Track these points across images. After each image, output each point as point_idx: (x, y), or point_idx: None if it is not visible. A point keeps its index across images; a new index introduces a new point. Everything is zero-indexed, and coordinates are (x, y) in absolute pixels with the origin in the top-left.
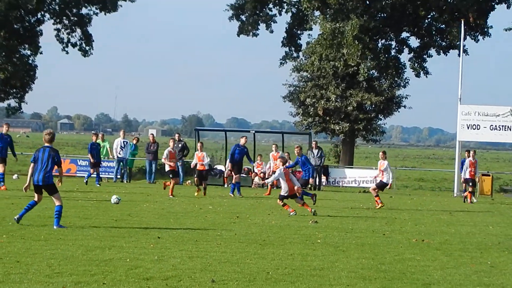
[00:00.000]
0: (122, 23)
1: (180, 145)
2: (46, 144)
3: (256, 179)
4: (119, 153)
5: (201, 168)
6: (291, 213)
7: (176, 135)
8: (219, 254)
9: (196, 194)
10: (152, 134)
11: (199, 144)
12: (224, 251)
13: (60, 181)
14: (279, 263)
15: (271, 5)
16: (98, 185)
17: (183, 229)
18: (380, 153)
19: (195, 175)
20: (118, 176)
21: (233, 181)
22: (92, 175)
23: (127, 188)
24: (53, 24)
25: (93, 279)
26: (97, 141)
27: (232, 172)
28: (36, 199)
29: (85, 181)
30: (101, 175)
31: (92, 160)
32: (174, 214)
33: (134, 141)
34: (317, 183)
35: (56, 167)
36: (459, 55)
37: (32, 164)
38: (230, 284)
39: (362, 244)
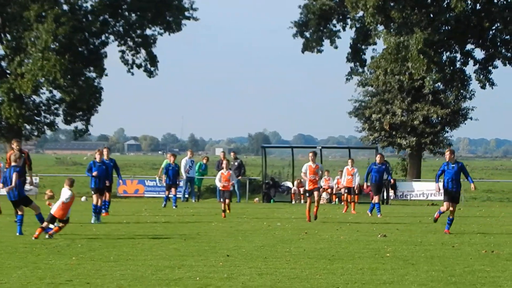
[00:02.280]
0: (186, 43)
1: (236, 163)
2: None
3: (324, 195)
4: (187, 172)
5: (226, 187)
6: None
7: (232, 153)
8: (288, 270)
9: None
10: (223, 152)
11: (225, 162)
12: (294, 267)
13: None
14: (349, 278)
15: (334, 21)
16: (175, 207)
17: (252, 247)
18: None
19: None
20: (186, 195)
21: (373, 201)
22: (169, 196)
23: (195, 208)
24: (118, 46)
25: None
26: (175, 162)
27: (371, 192)
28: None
29: (163, 205)
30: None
31: (163, 182)
32: (243, 232)
33: (204, 161)
34: (385, 197)
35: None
36: None
37: None
38: None
39: (431, 257)
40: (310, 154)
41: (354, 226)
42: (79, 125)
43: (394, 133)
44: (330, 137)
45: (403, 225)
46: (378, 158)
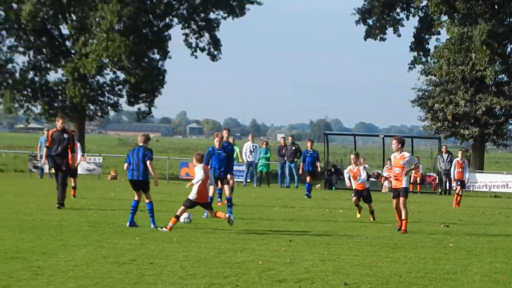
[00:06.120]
0: (250, 27)
1: (293, 148)
2: (140, 144)
3: (386, 183)
4: (249, 157)
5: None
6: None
7: (290, 138)
8: (351, 257)
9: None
10: (283, 137)
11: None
12: (356, 254)
13: (155, 182)
14: (412, 267)
15: (398, 9)
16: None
17: (314, 233)
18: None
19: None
20: (248, 180)
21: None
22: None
23: (257, 192)
24: (182, 28)
25: (227, 281)
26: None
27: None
28: (136, 198)
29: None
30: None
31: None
32: (305, 217)
33: (264, 146)
34: (447, 188)
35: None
36: None
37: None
38: (363, 287)
39: (495, 249)
40: (352, 156)
41: (417, 216)
42: (142, 106)
43: (457, 123)
44: (392, 126)
45: (466, 216)
46: (309, 145)
